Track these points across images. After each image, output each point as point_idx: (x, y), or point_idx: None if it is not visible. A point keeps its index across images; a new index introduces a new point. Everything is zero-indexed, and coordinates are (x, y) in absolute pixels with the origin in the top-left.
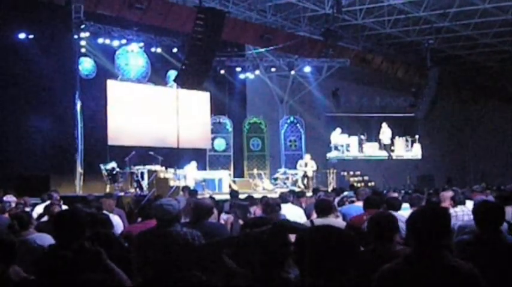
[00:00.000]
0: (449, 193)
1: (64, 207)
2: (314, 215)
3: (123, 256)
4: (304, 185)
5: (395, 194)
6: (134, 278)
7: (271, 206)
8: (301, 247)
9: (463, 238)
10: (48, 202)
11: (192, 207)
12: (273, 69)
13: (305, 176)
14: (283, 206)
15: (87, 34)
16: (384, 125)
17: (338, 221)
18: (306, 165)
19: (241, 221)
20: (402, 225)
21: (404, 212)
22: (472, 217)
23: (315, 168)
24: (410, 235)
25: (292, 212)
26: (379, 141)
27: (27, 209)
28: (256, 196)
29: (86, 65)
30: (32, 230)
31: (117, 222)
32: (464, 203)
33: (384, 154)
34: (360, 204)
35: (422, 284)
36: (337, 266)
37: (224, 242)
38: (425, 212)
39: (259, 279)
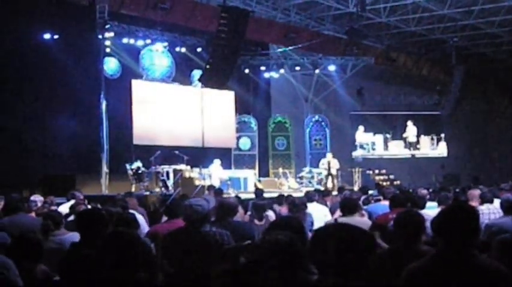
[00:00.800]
0: (476, 191)
1: (89, 206)
2: (338, 214)
3: (144, 257)
4: (331, 184)
5: (425, 192)
6: (157, 277)
7: (297, 205)
8: (317, 245)
9: (506, 237)
10: (72, 201)
11: (217, 205)
12: (297, 68)
13: (329, 174)
14: (309, 205)
15: (111, 34)
16: (409, 122)
17: (363, 220)
18: (328, 164)
19: (257, 222)
20: (427, 224)
21: (431, 211)
22: (498, 215)
23: (338, 166)
24: (438, 234)
25: (318, 211)
26: (404, 139)
27: (53, 208)
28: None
29: (111, 65)
30: (63, 230)
31: (142, 221)
32: (492, 202)
33: (409, 152)
34: (385, 203)
35: (451, 283)
36: (353, 266)
37: (242, 248)
38: (454, 211)
39: (276, 282)
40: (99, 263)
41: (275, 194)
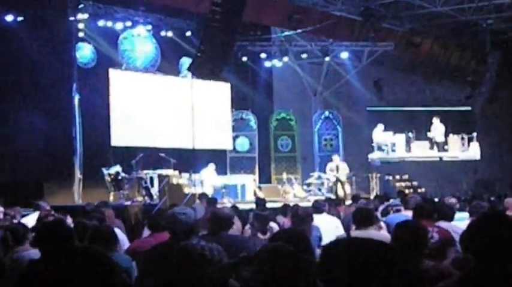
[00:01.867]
0: None
1: (69, 218)
2: (353, 227)
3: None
4: (341, 191)
5: (454, 200)
6: None
7: (301, 217)
8: (328, 263)
9: None
10: (37, 213)
11: (209, 217)
12: (303, 56)
13: (338, 181)
14: (316, 216)
15: (85, 16)
16: (436, 119)
17: (380, 234)
18: (337, 168)
19: (260, 235)
20: (457, 237)
21: (461, 223)
22: None
23: (347, 171)
24: (470, 250)
25: (327, 224)
26: (429, 139)
27: (15, 221)
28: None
29: (85, 52)
30: (27, 246)
31: (121, 236)
32: None
33: (435, 154)
34: (408, 213)
35: None
36: (370, 284)
37: (236, 262)
38: (487, 221)
39: None
40: (57, 285)
41: (279, 204)
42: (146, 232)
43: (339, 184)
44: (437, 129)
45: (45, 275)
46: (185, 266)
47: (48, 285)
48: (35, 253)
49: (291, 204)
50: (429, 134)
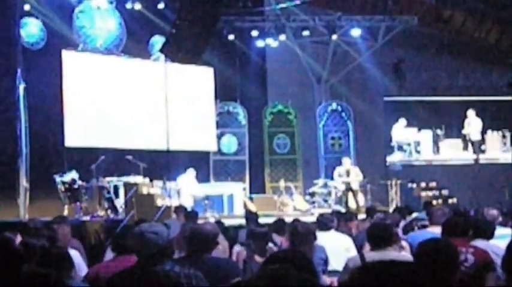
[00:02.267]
0: None
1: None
2: (367, 247)
3: None
4: (354, 203)
5: (495, 212)
6: None
7: (300, 235)
8: None
9: None
10: None
11: (187, 236)
12: (305, 33)
13: (349, 190)
14: (322, 234)
15: None
16: (471, 113)
17: (402, 255)
18: (348, 174)
19: (258, 258)
20: (498, 261)
21: (503, 241)
22: None
23: (361, 178)
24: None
25: (336, 243)
26: (463, 137)
27: None
28: (285, 219)
29: (32, 29)
30: None
31: (78, 259)
32: None
33: (470, 155)
34: (435, 230)
35: None
36: None
37: None
38: None
39: None
40: None
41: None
42: (109, 254)
43: (350, 194)
44: (472, 124)
45: None
46: None
47: None
48: None
49: (290, 219)
50: (463, 131)
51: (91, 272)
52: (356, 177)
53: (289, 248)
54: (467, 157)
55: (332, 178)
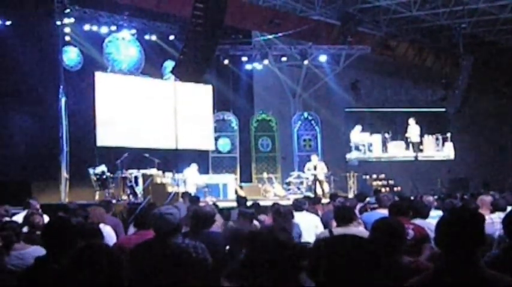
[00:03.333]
0: (488, 198)
1: (45, 217)
2: (334, 224)
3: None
4: (320, 190)
5: (431, 199)
6: None
7: (282, 214)
8: (318, 259)
9: (492, 253)
10: (25, 212)
11: (191, 215)
12: (283, 59)
13: (316, 180)
14: (296, 214)
15: (71, 20)
16: (412, 120)
17: (360, 231)
18: (315, 168)
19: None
20: (432, 235)
21: (435, 220)
22: None
23: (325, 170)
24: (440, 244)
25: (307, 221)
26: (405, 139)
27: (7, 218)
28: (266, 203)
29: (71, 56)
30: (23, 244)
31: (108, 233)
32: (505, 210)
33: (411, 154)
34: (384, 211)
35: None
36: (360, 280)
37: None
38: (451, 217)
39: None
40: (69, 280)
41: (261, 203)
42: (131, 229)
43: (318, 183)
44: (413, 130)
45: (56, 272)
46: (172, 263)
47: (59, 281)
48: (36, 250)
49: (270, 203)
50: (406, 135)
51: (116, 244)
52: (321, 170)
53: (272, 225)
54: (409, 155)
55: (303, 171)
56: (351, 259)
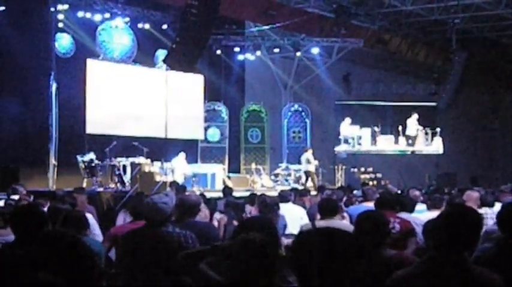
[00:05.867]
0: (475, 193)
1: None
2: (318, 217)
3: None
4: (311, 182)
5: (417, 193)
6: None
7: (268, 205)
8: (299, 251)
9: (484, 247)
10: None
11: (176, 203)
12: (276, 50)
13: (308, 172)
14: (282, 205)
15: (65, 7)
16: (415, 115)
17: (343, 223)
18: (308, 161)
19: (236, 222)
20: (418, 229)
21: (421, 214)
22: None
23: (316, 163)
24: (433, 241)
25: (293, 213)
26: (403, 132)
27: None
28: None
29: (64, 42)
30: (9, 230)
31: (92, 221)
32: (492, 205)
33: (401, 147)
34: (370, 204)
35: None
36: (339, 272)
37: (206, 251)
38: (455, 216)
39: None
40: (30, 266)
41: (246, 193)
42: (120, 217)
43: (310, 175)
44: (413, 125)
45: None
46: (159, 250)
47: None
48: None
49: (258, 193)
50: (407, 132)
51: (112, 232)
52: (313, 163)
53: (258, 215)
54: (398, 148)
55: (292, 162)
56: (329, 251)
